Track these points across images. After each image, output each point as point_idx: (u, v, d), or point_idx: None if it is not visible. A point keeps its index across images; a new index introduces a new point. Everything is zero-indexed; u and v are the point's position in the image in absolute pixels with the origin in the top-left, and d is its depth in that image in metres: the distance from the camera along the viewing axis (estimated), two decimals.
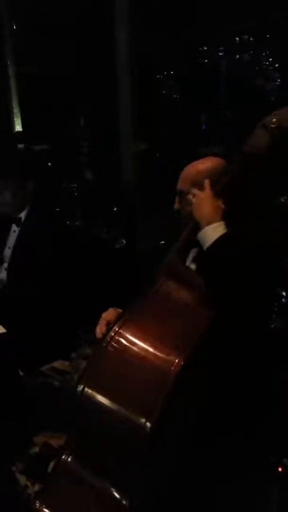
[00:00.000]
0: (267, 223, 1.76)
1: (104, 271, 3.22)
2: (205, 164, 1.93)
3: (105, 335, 1.59)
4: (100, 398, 1.46)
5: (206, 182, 1.80)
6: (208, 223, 1.72)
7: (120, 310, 1.90)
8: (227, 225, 1.73)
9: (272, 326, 2.45)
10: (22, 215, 2.79)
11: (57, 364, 2.55)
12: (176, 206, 1.97)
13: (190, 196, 1.83)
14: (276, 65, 4.09)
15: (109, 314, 1.87)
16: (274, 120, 1.69)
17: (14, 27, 4.95)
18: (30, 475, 2.02)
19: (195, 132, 4.23)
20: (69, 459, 1.51)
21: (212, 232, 1.71)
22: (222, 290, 1.65)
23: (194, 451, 1.63)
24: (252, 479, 1.72)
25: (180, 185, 1.96)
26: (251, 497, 1.71)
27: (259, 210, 1.78)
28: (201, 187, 1.82)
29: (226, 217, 1.75)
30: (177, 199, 1.97)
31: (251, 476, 1.71)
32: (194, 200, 1.80)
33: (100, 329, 1.83)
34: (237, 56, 4.22)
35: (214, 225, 1.72)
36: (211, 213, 1.74)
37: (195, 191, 1.81)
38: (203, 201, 1.77)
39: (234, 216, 1.75)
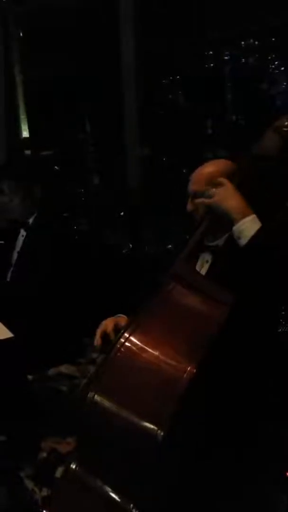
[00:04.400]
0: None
1: (111, 276, 3.22)
2: (216, 165, 1.92)
3: (112, 342, 1.59)
4: (110, 406, 1.44)
5: (224, 179, 1.77)
6: (244, 216, 1.69)
7: (121, 317, 1.91)
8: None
9: (280, 330, 2.44)
10: (30, 220, 2.81)
11: (63, 368, 2.55)
12: (189, 207, 1.95)
13: (210, 192, 1.78)
14: (282, 69, 4.08)
15: (107, 324, 1.88)
16: (286, 123, 1.69)
17: (21, 35, 4.98)
18: (37, 481, 2.02)
19: (201, 136, 4.22)
20: (77, 467, 1.50)
21: (251, 224, 1.67)
22: (265, 282, 1.64)
23: (198, 458, 1.62)
24: (255, 487, 1.71)
25: (193, 187, 1.93)
26: (257, 505, 1.70)
27: (270, 213, 1.77)
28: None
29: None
30: (189, 201, 1.94)
31: (254, 483, 1.70)
32: (217, 194, 1.75)
33: (96, 341, 1.84)
34: (243, 60, 4.22)
35: (249, 218, 1.68)
36: (242, 205, 1.71)
37: (216, 187, 1.77)
38: (229, 194, 1.73)
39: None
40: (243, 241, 1.68)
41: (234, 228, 1.70)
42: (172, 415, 1.37)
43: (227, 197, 1.73)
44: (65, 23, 4.60)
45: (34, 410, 2.31)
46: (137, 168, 3.97)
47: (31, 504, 1.99)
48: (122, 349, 1.48)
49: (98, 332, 1.95)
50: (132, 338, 1.49)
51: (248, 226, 1.68)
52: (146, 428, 1.39)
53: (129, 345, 1.49)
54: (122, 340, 1.49)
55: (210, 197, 1.77)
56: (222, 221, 1.79)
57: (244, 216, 1.69)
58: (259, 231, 1.66)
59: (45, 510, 1.51)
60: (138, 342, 1.49)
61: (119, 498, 1.43)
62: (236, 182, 1.77)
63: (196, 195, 1.89)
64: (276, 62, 4.09)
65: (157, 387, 1.44)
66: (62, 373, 2.54)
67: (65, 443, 1.99)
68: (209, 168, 1.93)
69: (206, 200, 1.79)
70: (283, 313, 2.58)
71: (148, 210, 3.86)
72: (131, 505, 1.41)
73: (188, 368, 1.42)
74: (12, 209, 2.80)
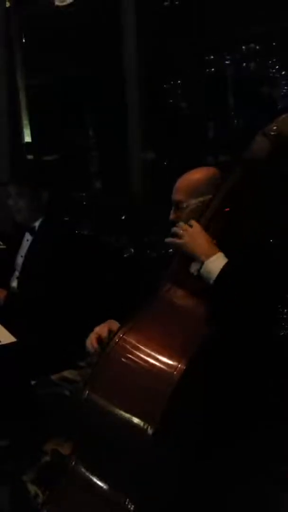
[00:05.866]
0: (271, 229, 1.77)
1: (113, 279, 3.22)
2: (200, 173, 1.95)
3: (106, 343, 1.61)
4: (104, 404, 1.47)
5: (193, 221, 1.81)
6: (208, 257, 1.73)
7: (112, 322, 1.92)
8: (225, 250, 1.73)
9: (282, 333, 2.44)
10: (36, 224, 2.83)
11: (67, 373, 2.56)
12: (172, 217, 1.97)
13: (178, 230, 1.83)
14: (283, 73, 4.09)
15: (101, 329, 1.89)
16: (274, 128, 1.71)
17: (24, 40, 5.01)
18: (40, 484, 2.03)
19: (203, 140, 4.23)
20: (77, 466, 1.52)
21: (214, 264, 1.71)
22: (236, 318, 1.65)
23: (198, 458, 1.63)
24: (255, 487, 1.71)
25: (176, 196, 1.96)
26: (257, 505, 1.71)
27: (261, 217, 1.79)
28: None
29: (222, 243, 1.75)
30: (173, 210, 1.97)
31: (254, 483, 1.70)
32: (184, 235, 1.79)
33: (91, 344, 1.85)
34: (244, 64, 4.23)
35: (214, 257, 1.72)
36: (207, 246, 1.75)
37: (184, 226, 1.81)
38: (195, 236, 1.78)
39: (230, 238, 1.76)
40: (211, 281, 1.71)
41: (201, 271, 1.74)
42: (162, 412, 1.40)
43: (193, 239, 1.77)
44: (68, 31, 4.64)
45: (36, 414, 2.32)
46: (140, 172, 3.98)
47: (34, 507, 1.99)
48: (116, 348, 1.51)
49: (93, 338, 1.97)
50: (126, 338, 1.52)
51: (212, 266, 1.71)
52: (138, 426, 1.41)
53: (123, 344, 1.52)
54: (117, 339, 1.52)
55: (179, 236, 1.82)
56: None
57: (208, 257, 1.72)
58: (223, 269, 1.69)
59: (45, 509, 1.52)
60: (132, 341, 1.52)
61: (118, 497, 1.45)
62: (206, 220, 1.81)
63: (178, 204, 1.93)
64: (277, 66, 4.10)
65: (149, 385, 1.47)
66: (64, 377, 2.54)
67: (67, 445, 1.99)
68: (193, 175, 1.95)
69: (175, 241, 1.83)
70: (284, 316, 2.59)
71: (151, 214, 3.86)
72: (131, 505, 1.43)
73: (179, 366, 1.45)
74: (18, 212, 2.82)
